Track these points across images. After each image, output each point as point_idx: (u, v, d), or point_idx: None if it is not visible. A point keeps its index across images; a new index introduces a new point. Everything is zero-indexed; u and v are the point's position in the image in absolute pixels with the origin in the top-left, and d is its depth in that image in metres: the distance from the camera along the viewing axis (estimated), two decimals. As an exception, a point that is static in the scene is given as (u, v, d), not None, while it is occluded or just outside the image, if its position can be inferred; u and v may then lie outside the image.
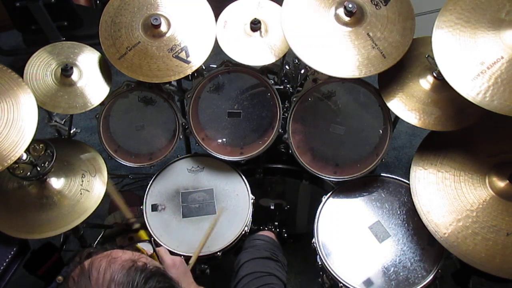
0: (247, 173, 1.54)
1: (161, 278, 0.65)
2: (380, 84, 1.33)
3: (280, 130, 1.45)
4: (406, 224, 1.38)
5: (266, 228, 1.57)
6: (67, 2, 2.05)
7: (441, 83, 1.27)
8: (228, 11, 1.42)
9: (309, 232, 1.41)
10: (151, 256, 0.81)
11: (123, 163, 1.51)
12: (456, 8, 1.13)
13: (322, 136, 1.48)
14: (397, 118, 1.39)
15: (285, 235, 1.72)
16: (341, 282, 1.29)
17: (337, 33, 1.24)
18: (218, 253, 1.37)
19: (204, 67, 1.47)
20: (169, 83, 1.55)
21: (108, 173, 1.42)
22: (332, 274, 1.31)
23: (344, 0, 1.23)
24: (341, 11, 1.24)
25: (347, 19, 1.24)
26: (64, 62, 1.41)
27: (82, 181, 1.38)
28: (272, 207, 1.72)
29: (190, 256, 1.37)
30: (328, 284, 1.39)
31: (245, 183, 1.50)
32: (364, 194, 1.46)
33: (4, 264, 1.33)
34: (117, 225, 1.84)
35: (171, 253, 1.34)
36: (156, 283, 0.63)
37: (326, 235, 1.38)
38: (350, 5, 1.21)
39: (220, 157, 1.50)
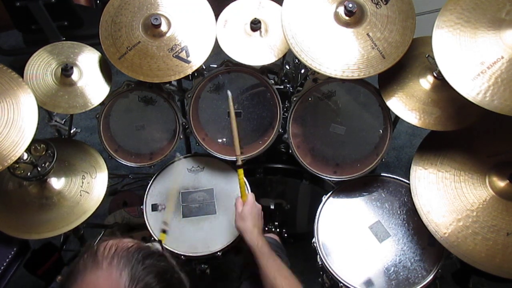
0: (247, 173, 1.53)
1: (161, 258, 0.70)
2: (380, 84, 1.33)
3: (280, 130, 1.45)
4: (406, 224, 1.38)
5: (266, 229, 1.56)
6: (67, 2, 2.05)
7: (441, 83, 1.26)
8: (228, 11, 1.42)
9: (309, 232, 1.40)
10: None
11: (123, 163, 1.51)
12: (456, 8, 1.13)
13: (322, 136, 1.48)
14: (397, 118, 1.39)
15: (285, 235, 1.72)
16: (341, 282, 1.29)
17: (337, 34, 1.24)
18: (218, 253, 1.37)
19: (204, 67, 1.47)
20: (169, 83, 1.55)
21: (108, 173, 1.43)
22: (332, 274, 1.31)
23: (344, -1, 1.23)
24: (341, 11, 1.23)
25: (347, 19, 1.23)
26: (64, 62, 1.41)
27: (82, 182, 1.38)
28: (273, 207, 1.72)
29: (190, 256, 1.37)
30: (328, 284, 1.39)
31: (245, 182, 1.50)
32: (364, 194, 1.45)
33: (5, 264, 1.33)
34: (117, 225, 1.85)
35: (172, 253, 1.35)
36: (155, 261, 0.68)
37: (326, 235, 1.38)
38: (350, 5, 1.21)
39: (220, 157, 1.50)
